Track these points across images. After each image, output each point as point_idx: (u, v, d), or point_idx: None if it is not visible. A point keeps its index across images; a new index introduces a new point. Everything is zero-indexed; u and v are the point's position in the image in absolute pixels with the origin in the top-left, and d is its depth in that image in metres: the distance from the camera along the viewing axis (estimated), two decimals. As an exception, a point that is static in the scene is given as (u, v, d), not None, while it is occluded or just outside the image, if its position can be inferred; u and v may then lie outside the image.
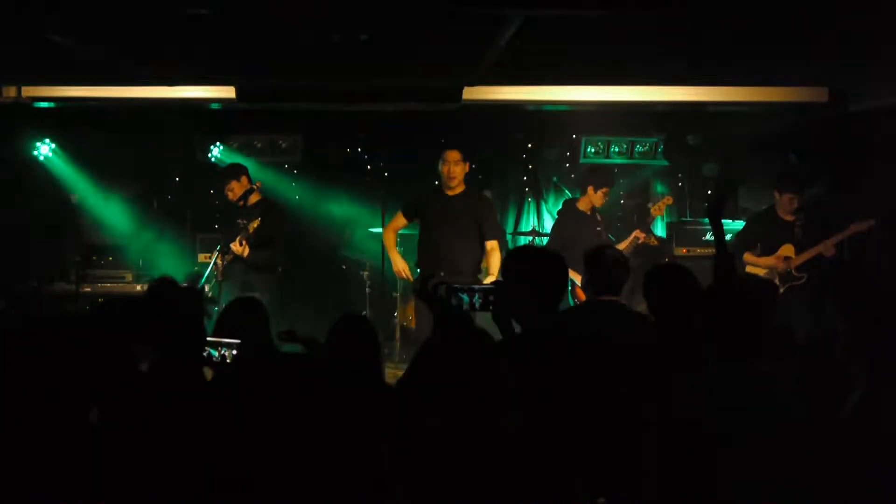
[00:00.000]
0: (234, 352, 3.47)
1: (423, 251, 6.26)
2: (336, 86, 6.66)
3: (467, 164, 6.20)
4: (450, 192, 6.21)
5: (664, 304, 3.68)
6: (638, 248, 7.01)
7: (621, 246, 6.76)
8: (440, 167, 6.20)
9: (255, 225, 6.39)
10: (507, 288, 3.38)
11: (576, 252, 6.58)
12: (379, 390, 3.47)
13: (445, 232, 6.11)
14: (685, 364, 3.06)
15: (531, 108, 7.38)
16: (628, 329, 3.87)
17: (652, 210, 7.24)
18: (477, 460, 2.99)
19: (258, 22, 4.50)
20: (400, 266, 6.31)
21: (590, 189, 6.98)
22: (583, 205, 7.03)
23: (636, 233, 6.99)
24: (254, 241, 6.46)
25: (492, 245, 6.13)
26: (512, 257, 3.60)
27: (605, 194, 6.98)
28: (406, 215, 6.39)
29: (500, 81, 6.53)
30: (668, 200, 7.36)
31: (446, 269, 5.86)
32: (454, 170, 6.11)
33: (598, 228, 6.95)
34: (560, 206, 7.56)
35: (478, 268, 6.22)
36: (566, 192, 8.70)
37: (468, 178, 6.30)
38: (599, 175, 7.20)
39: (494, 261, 6.04)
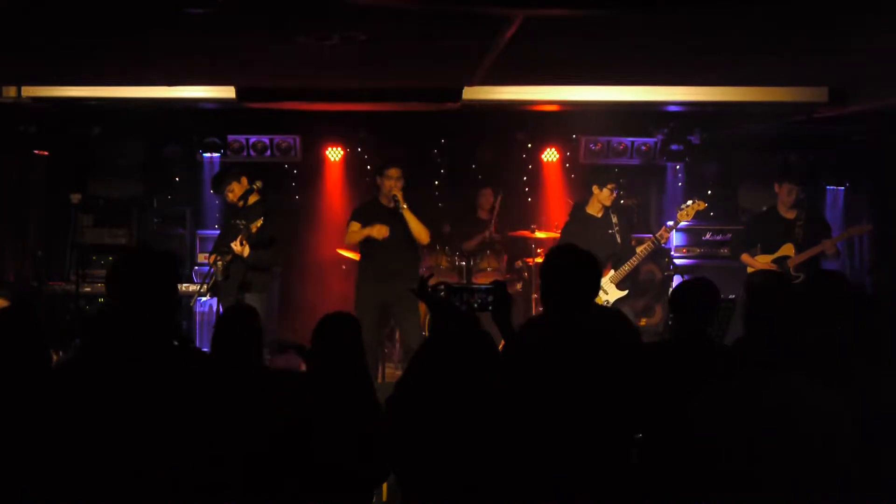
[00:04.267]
0: None
1: (367, 260, 6.74)
2: (336, 86, 6.66)
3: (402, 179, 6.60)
4: (389, 206, 6.57)
5: (691, 318, 3.70)
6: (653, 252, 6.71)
7: (639, 248, 6.62)
8: (382, 181, 6.61)
9: (259, 224, 6.38)
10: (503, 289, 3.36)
11: None
12: (365, 389, 3.47)
13: (388, 242, 6.52)
14: (718, 371, 3.06)
15: (531, 107, 7.36)
16: (619, 328, 3.89)
17: (679, 214, 6.72)
18: (475, 459, 2.99)
19: (258, 22, 4.50)
20: (376, 229, 6.53)
21: (594, 188, 6.70)
22: (592, 208, 6.73)
23: (662, 231, 6.61)
24: (255, 241, 6.45)
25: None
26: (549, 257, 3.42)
27: (611, 190, 6.63)
28: (357, 220, 6.70)
29: (500, 81, 6.52)
30: (700, 205, 6.68)
31: (388, 272, 6.49)
32: (395, 185, 6.51)
33: (611, 231, 6.65)
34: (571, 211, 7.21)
35: (416, 266, 6.81)
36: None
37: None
38: (602, 172, 7.02)
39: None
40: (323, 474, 3.30)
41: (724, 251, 8.03)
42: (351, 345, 3.49)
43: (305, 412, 3.35)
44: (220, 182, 6.88)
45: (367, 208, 6.79)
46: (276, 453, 3.30)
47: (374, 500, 4.61)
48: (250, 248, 6.41)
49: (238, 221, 6.65)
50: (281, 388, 3.46)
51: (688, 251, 8.36)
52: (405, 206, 6.47)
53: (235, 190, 6.72)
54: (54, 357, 6.94)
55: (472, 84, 6.44)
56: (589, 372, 3.07)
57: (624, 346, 3.22)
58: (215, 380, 3.34)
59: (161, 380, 3.00)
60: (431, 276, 3.77)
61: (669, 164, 8.79)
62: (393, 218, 6.52)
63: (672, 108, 7.51)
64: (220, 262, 6.57)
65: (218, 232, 7.50)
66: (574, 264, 3.23)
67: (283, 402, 3.38)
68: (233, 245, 6.40)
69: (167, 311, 3.14)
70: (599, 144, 8.67)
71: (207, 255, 6.77)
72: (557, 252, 3.39)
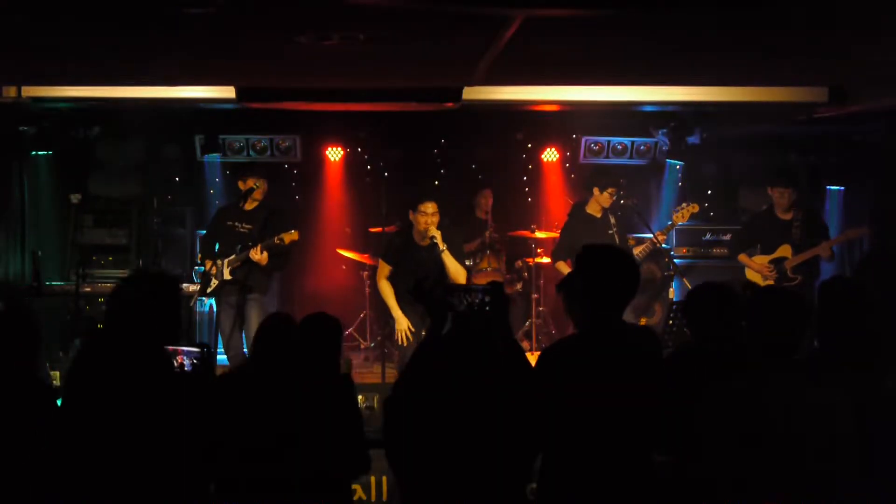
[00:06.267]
0: (194, 360, 3.52)
1: (401, 287, 6.16)
2: (336, 86, 6.66)
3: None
4: (423, 243, 6.09)
5: (707, 320, 3.67)
6: (651, 252, 6.83)
7: (637, 250, 6.67)
8: (415, 217, 6.04)
9: (295, 237, 6.37)
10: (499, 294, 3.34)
11: None
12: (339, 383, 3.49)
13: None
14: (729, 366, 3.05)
15: (531, 108, 7.35)
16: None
17: (674, 217, 6.87)
18: (473, 458, 2.99)
19: (257, 22, 4.50)
20: (403, 326, 6.03)
21: (595, 190, 6.76)
22: (592, 208, 6.81)
23: (658, 234, 6.73)
24: (276, 250, 6.44)
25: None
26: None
27: (611, 195, 6.71)
28: (388, 263, 6.23)
29: (500, 81, 6.51)
30: (694, 208, 6.91)
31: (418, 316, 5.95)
32: (432, 221, 5.98)
33: (611, 232, 6.69)
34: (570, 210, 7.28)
35: None
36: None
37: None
38: (604, 175, 7.02)
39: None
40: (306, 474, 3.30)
41: (723, 251, 8.03)
42: (332, 345, 3.54)
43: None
44: (248, 170, 6.86)
45: (399, 248, 6.22)
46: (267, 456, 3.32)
47: (372, 499, 4.62)
48: (269, 256, 6.40)
49: (239, 224, 6.65)
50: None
51: (687, 251, 8.36)
52: (445, 248, 5.94)
53: (249, 183, 6.72)
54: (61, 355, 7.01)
55: (472, 84, 6.44)
56: (604, 384, 3.06)
57: (650, 366, 3.19)
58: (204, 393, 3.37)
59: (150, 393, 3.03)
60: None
61: (669, 164, 8.80)
62: (428, 256, 6.06)
63: (672, 108, 7.51)
64: (219, 263, 6.57)
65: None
66: (616, 265, 3.20)
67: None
68: (251, 253, 6.37)
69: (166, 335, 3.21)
70: (599, 144, 8.68)
71: (210, 261, 6.72)
72: (598, 252, 3.31)
